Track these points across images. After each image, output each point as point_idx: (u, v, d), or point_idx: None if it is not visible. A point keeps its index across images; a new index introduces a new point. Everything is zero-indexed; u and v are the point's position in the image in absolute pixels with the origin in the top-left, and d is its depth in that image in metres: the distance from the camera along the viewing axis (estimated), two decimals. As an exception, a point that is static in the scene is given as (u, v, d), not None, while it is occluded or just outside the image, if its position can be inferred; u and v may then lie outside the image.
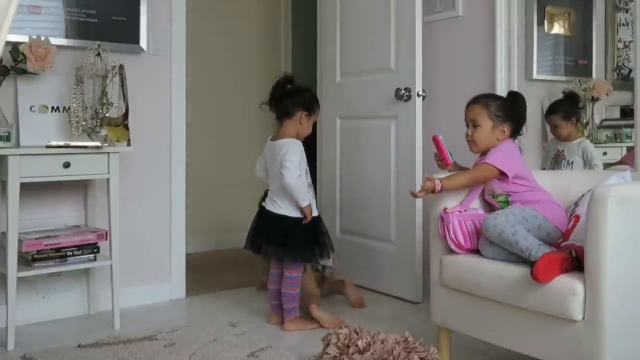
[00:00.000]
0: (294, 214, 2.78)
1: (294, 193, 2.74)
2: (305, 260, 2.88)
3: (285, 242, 2.76)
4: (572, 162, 3.03)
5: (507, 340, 2.12)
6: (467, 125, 2.44)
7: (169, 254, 3.32)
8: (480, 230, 2.25)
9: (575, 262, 1.97)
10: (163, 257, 3.31)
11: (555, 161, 3.10)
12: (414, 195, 2.38)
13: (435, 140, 2.51)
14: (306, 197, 2.77)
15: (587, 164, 3.00)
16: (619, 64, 3.15)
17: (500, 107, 2.39)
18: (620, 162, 2.96)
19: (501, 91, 3.03)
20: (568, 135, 3.07)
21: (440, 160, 2.52)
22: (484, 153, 2.43)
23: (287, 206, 2.78)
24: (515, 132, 2.44)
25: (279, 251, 2.78)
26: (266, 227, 2.82)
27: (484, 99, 2.43)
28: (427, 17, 3.41)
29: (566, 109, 3.07)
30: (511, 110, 2.41)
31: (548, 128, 3.17)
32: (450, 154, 2.51)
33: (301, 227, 2.79)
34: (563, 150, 3.08)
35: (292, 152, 2.74)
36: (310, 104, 2.83)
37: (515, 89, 2.98)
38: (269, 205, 2.83)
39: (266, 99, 2.86)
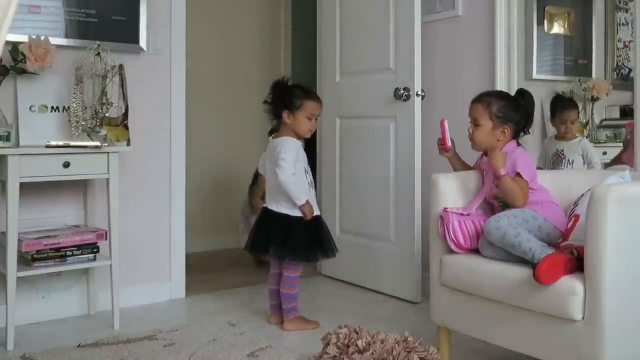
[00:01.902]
0: (296, 213, 2.78)
1: (288, 191, 2.74)
2: (306, 260, 2.88)
3: (287, 241, 2.76)
4: (572, 162, 3.03)
5: (507, 341, 2.12)
6: (471, 123, 2.44)
7: (169, 254, 3.32)
8: (480, 231, 2.25)
9: (578, 263, 1.97)
10: (163, 257, 3.31)
11: (555, 160, 3.10)
12: None
13: (441, 124, 2.52)
14: (302, 195, 2.76)
15: (587, 163, 3.00)
16: (619, 64, 3.15)
17: (502, 109, 2.37)
18: (616, 161, 2.95)
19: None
20: (571, 134, 3.07)
21: (441, 145, 2.53)
22: (486, 153, 2.43)
23: (288, 205, 2.78)
24: (517, 133, 2.42)
25: (280, 250, 2.78)
26: (268, 226, 2.81)
27: (488, 99, 2.41)
28: (427, 17, 3.41)
29: (577, 106, 3.08)
30: (515, 111, 2.39)
31: (549, 126, 3.17)
32: (453, 141, 2.52)
33: (303, 227, 2.78)
34: (563, 150, 3.07)
35: (285, 150, 2.74)
36: (289, 100, 2.80)
37: (514, 89, 2.98)
38: (272, 205, 2.82)
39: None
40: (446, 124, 2.52)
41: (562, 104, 3.12)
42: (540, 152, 3.15)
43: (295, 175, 2.74)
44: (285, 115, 2.80)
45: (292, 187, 2.73)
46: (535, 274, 1.90)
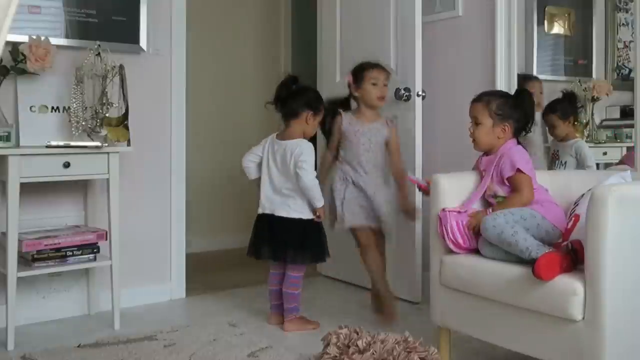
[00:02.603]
0: (307, 215, 2.79)
1: (312, 193, 2.74)
2: (319, 260, 2.92)
3: (304, 245, 2.77)
4: (564, 162, 3.03)
5: (507, 340, 2.12)
6: (472, 122, 2.45)
7: (169, 254, 3.32)
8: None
9: (573, 256, 1.98)
10: (163, 257, 3.31)
11: (550, 161, 3.10)
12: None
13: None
14: (321, 197, 2.78)
15: (581, 164, 2.99)
16: (619, 64, 3.15)
17: (501, 106, 2.39)
18: (620, 163, 2.95)
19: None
20: (565, 135, 3.07)
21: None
22: (487, 152, 2.43)
23: (300, 208, 2.78)
24: (518, 131, 2.43)
25: (299, 254, 2.77)
26: (281, 233, 2.78)
27: (487, 97, 2.43)
28: (427, 17, 3.40)
29: (564, 108, 3.07)
30: (514, 108, 2.40)
31: (546, 128, 3.17)
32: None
33: (314, 228, 2.80)
34: (557, 151, 3.08)
35: (307, 153, 2.74)
36: (316, 103, 2.83)
37: (514, 89, 2.98)
38: (280, 211, 2.79)
39: (270, 99, 2.87)
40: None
41: (546, 108, 3.12)
42: (544, 152, 3.16)
43: (316, 177, 2.76)
44: (308, 116, 2.81)
45: (315, 189, 2.74)
46: (534, 269, 1.91)
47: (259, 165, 2.88)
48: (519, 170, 2.29)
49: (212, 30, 4.67)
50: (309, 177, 2.72)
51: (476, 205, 2.38)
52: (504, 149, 2.37)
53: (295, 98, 2.82)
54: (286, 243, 2.77)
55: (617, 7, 3.16)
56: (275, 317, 2.89)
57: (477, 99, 2.44)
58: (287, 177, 2.78)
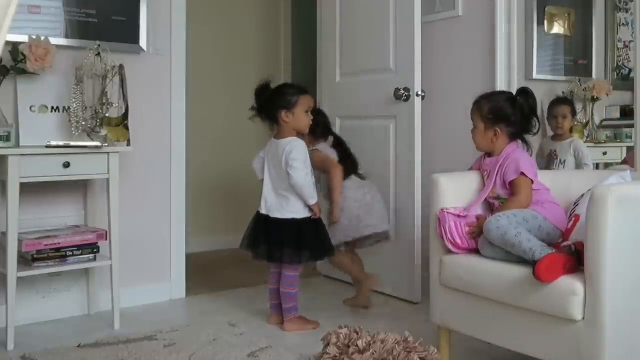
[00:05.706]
0: (302, 214, 2.78)
1: (302, 191, 2.73)
2: (320, 258, 2.91)
3: (300, 244, 2.77)
4: (564, 162, 3.03)
5: (507, 340, 2.12)
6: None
7: (169, 254, 3.32)
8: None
9: (575, 257, 1.97)
10: (163, 257, 3.31)
11: (548, 160, 3.10)
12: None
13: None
14: (314, 195, 2.77)
15: (579, 162, 2.99)
16: (619, 64, 3.15)
17: (492, 110, 2.38)
18: (624, 163, 2.95)
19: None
20: (563, 134, 3.07)
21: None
22: (489, 154, 2.43)
23: (294, 208, 2.77)
24: (517, 134, 2.41)
25: (297, 254, 2.77)
26: (277, 234, 2.78)
27: (481, 100, 2.43)
28: (427, 17, 3.40)
29: (572, 103, 3.09)
30: (507, 112, 2.38)
31: (546, 125, 3.16)
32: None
33: (311, 226, 2.80)
34: (556, 150, 3.08)
35: (297, 150, 2.74)
36: (284, 100, 2.79)
37: (514, 89, 2.97)
38: (275, 213, 2.79)
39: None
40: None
41: (554, 101, 3.13)
42: (537, 152, 3.15)
43: (307, 175, 2.75)
44: (284, 114, 2.79)
45: (307, 186, 2.74)
46: (534, 271, 1.90)
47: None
48: (522, 174, 2.29)
49: (212, 30, 4.67)
50: (300, 175, 2.71)
51: (479, 209, 2.37)
52: (506, 152, 2.37)
53: (266, 105, 2.81)
54: (282, 244, 2.77)
55: (617, 7, 3.16)
56: (275, 317, 2.89)
57: (475, 102, 2.46)
58: (282, 177, 2.78)
